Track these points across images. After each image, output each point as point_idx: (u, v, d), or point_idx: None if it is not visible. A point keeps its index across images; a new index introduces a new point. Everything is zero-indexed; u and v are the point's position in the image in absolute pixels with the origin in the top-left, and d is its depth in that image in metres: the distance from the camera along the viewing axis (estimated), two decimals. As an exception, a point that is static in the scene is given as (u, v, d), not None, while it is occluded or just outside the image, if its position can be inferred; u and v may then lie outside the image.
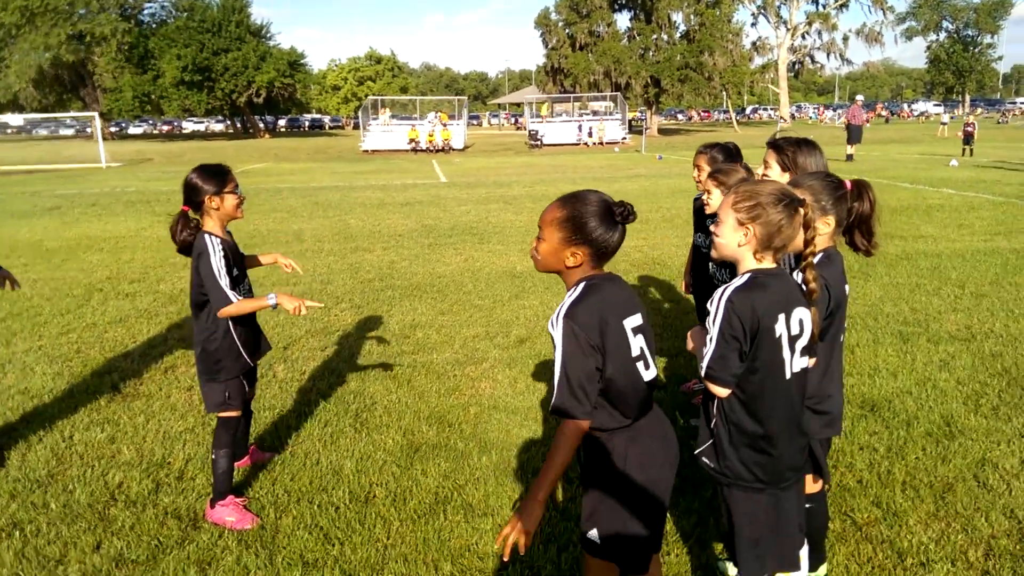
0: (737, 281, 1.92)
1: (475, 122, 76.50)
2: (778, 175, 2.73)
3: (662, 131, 50.10)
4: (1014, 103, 77.77)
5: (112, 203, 14.96)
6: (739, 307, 1.87)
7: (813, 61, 55.14)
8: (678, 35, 46.59)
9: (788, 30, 53.58)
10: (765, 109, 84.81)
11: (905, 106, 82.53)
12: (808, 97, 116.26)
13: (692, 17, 45.02)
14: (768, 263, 1.95)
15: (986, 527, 2.88)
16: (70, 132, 71.19)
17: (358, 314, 6.24)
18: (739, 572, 2.06)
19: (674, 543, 2.83)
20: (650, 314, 6.03)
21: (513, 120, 75.79)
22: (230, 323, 3.01)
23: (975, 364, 4.65)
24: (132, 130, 72.89)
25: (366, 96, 55.21)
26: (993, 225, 9.79)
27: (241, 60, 50.81)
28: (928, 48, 72.81)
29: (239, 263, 3.10)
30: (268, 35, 55.70)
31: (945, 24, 70.66)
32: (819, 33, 53.37)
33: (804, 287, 1.98)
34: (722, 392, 1.94)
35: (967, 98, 72.14)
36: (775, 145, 2.79)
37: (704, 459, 2.07)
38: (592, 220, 1.85)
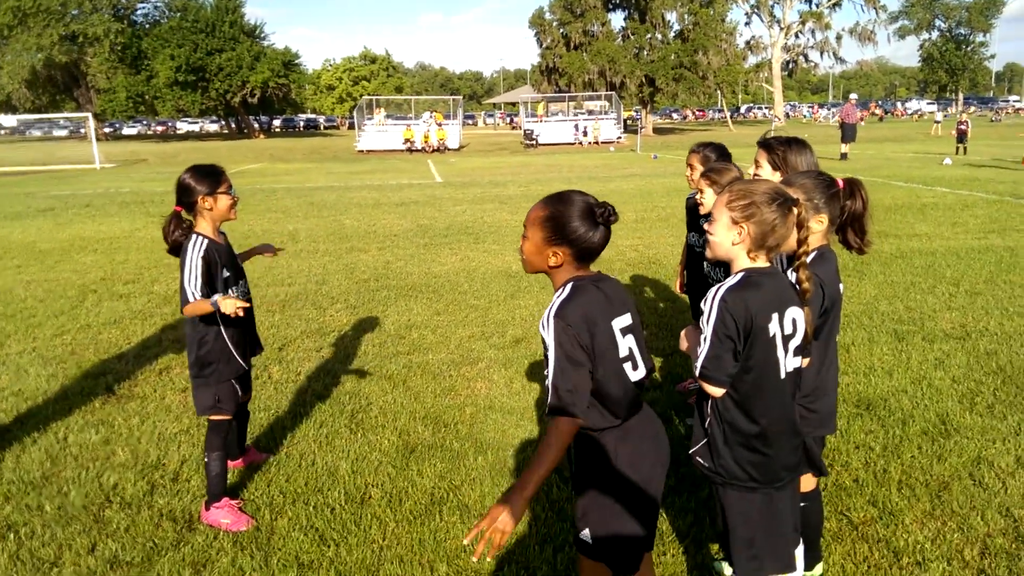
0: (730, 280, 1.92)
1: (470, 122, 76.44)
2: (769, 174, 2.73)
3: (657, 130, 50.21)
4: (1007, 101, 78.19)
5: (106, 204, 14.90)
6: (733, 306, 1.87)
7: (807, 60, 55.32)
8: (672, 34, 46.71)
9: (782, 29, 53.73)
10: (760, 108, 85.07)
11: (899, 104, 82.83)
12: (802, 96, 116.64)
13: (686, 16, 45.15)
14: (762, 262, 1.95)
15: (982, 525, 2.88)
16: (64, 133, 70.92)
17: (353, 315, 6.23)
18: (734, 573, 2.06)
19: (670, 543, 2.83)
20: (645, 313, 6.06)
21: (508, 120, 75.80)
22: (221, 326, 2.98)
23: (970, 362, 4.66)
24: (126, 131, 72.66)
25: (361, 96, 55.20)
26: (987, 223, 9.83)
27: (235, 60, 50.70)
28: (921, 47, 73.09)
29: (233, 264, 3.07)
30: (262, 35, 55.61)
31: (938, 23, 70.94)
32: (812, 32, 53.55)
33: (798, 286, 1.98)
34: (717, 392, 1.94)
35: (960, 96, 72.43)
36: (766, 144, 2.80)
37: (698, 458, 2.07)
38: (573, 220, 1.86)
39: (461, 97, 56.99)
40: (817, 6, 53.67)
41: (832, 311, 2.28)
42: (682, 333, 2.11)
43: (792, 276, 2.04)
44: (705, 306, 1.91)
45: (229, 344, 3.01)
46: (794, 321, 1.95)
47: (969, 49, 70.24)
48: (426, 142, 35.48)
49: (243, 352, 3.11)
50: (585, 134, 37.93)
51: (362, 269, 8.05)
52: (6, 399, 4.46)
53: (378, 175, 21.48)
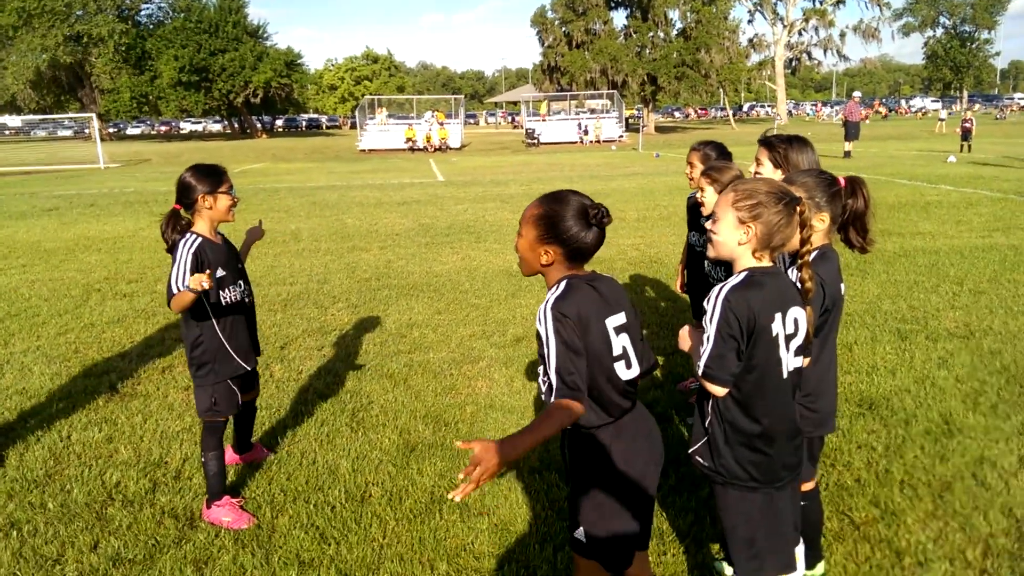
0: (734, 280, 1.91)
1: (472, 121, 76.44)
2: (770, 172, 2.72)
3: (659, 129, 50.14)
4: (1012, 99, 77.72)
5: (110, 204, 14.94)
6: (736, 306, 1.86)
7: (810, 58, 55.14)
8: (674, 32, 46.62)
9: (785, 27, 53.58)
10: (762, 106, 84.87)
11: (903, 102, 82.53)
12: (805, 94, 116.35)
13: (688, 14, 45.05)
14: (766, 262, 1.95)
15: (984, 526, 2.87)
16: (68, 133, 71.13)
17: (355, 313, 6.24)
18: (735, 572, 2.05)
19: (670, 543, 2.83)
20: (646, 312, 6.05)
21: (510, 119, 75.76)
22: (216, 326, 2.96)
23: (974, 362, 4.64)
24: (130, 131, 72.85)
25: (363, 96, 55.20)
26: (991, 221, 9.79)
27: (238, 60, 50.79)
28: (925, 44, 72.88)
29: (230, 265, 3.04)
30: (265, 35, 55.70)
31: (942, 20, 70.72)
32: (816, 29, 53.40)
33: (800, 286, 1.98)
34: (719, 391, 1.94)
35: (965, 94, 72.19)
36: (767, 142, 2.79)
37: (698, 458, 2.06)
38: (566, 220, 1.88)
39: (463, 96, 56.95)
40: (821, 3, 53.52)
41: (833, 311, 2.28)
42: (681, 332, 2.10)
43: (794, 275, 2.04)
44: (708, 305, 1.91)
45: (225, 344, 2.99)
46: (796, 321, 1.94)
47: (974, 46, 70.02)
48: (428, 141, 35.48)
49: (244, 353, 3.08)
50: (586, 133, 37.89)
51: (363, 268, 8.06)
52: (10, 397, 4.48)
53: (380, 174, 21.50)
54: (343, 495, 3.24)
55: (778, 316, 1.90)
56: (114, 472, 3.48)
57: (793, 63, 55.21)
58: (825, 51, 54.10)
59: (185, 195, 2.92)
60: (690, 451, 2.10)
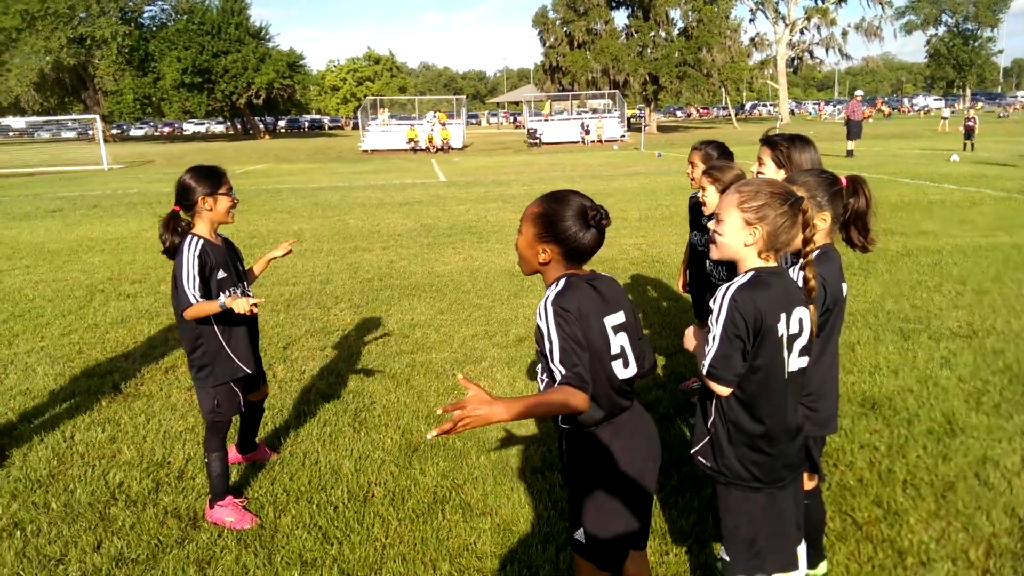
0: (740, 279, 1.91)
1: (474, 121, 76.44)
2: (773, 172, 2.72)
3: (661, 128, 50.08)
4: (1015, 97, 77.53)
5: (114, 205, 14.97)
6: (743, 305, 1.86)
7: (812, 56, 55.00)
8: (676, 32, 46.56)
9: (786, 25, 53.47)
10: (764, 105, 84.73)
11: (905, 101, 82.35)
12: (808, 93, 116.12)
13: (690, 14, 44.99)
14: (771, 262, 1.95)
15: (987, 526, 2.87)
16: (72, 135, 71.32)
17: (357, 314, 6.25)
18: (727, 569, 2.04)
19: (672, 543, 2.83)
20: (648, 312, 6.04)
21: (512, 119, 75.77)
22: (216, 327, 2.95)
23: (977, 361, 4.63)
24: (133, 132, 72.96)
25: (365, 96, 55.24)
26: (995, 221, 9.77)
27: (241, 62, 50.87)
28: (928, 42, 72.72)
29: (232, 266, 3.04)
30: (267, 36, 55.79)
31: (944, 18, 70.56)
32: (818, 28, 53.27)
33: (803, 285, 1.98)
34: (724, 391, 1.94)
35: (968, 92, 72.01)
36: (769, 142, 2.78)
37: (700, 458, 2.06)
38: (565, 220, 1.88)
39: (464, 97, 56.94)
40: (823, 2, 53.40)
41: (834, 310, 2.28)
42: (687, 332, 2.10)
43: (797, 274, 2.04)
44: (714, 304, 1.91)
45: (225, 346, 2.98)
46: (800, 321, 1.95)
47: (976, 44, 69.87)
48: (430, 142, 35.50)
49: (244, 354, 3.06)
50: (588, 132, 37.87)
51: (366, 268, 8.07)
52: (14, 397, 4.50)
53: (382, 175, 21.51)
54: (346, 495, 3.24)
55: (783, 316, 1.90)
56: (117, 472, 3.50)
57: (795, 62, 55.11)
58: (827, 50, 53.97)
59: (185, 197, 2.91)
60: (692, 451, 2.10)
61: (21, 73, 49.29)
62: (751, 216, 1.91)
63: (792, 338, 1.93)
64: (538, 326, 1.86)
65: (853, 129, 22.22)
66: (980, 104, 65.98)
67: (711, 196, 3.35)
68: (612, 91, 43.53)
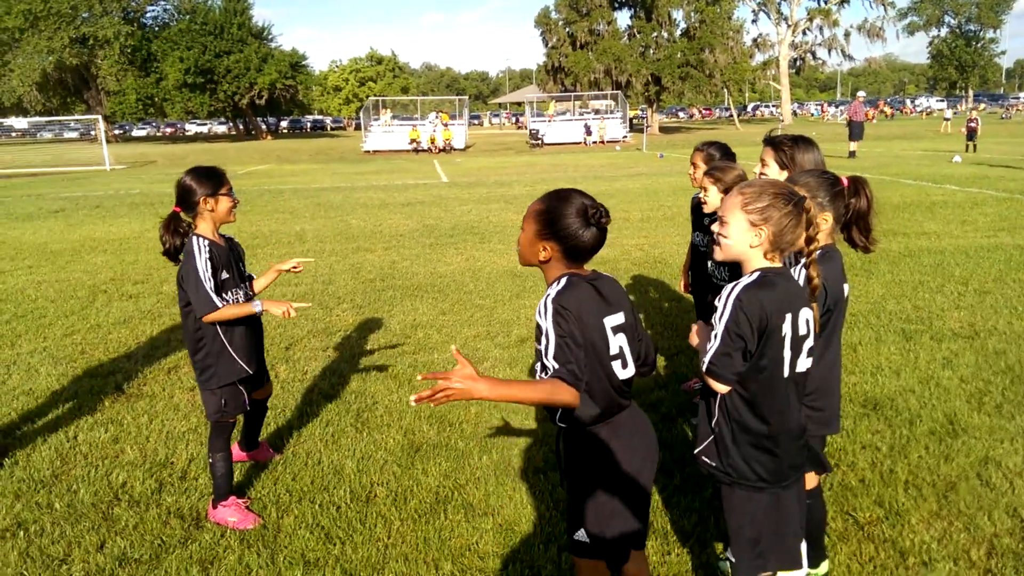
0: (746, 279, 1.92)
1: (476, 122, 76.48)
2: (776, 173, 2.72)
3: (663, 129, 50.07)
4: (1017, 98, 77.34)
5: (116, 205, 15.01)
6: (748, 305, 1.87)
7: (815, 57, 54.95)
8: (678, 32, 46.56)
9: (789, 26, 53.41)
10: (767, 106, 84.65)
11: (908, 102, 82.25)
12: (810, 94, 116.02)
13: (692, 14, 45.00)
14: (776, 262, 1.96)
15: (989, 526, 2.87)
16: (74, 135, 71.46)
17: (359, 314, 6.25)
18: (735, 570, 2.05)
19: (674, 543, 2.83)
20: (650, 313, 6.05)
21: (514, 119, 75.77)
22: (219, 328, 2.96)
23: (978, 362, 4.63)
24: (136, 132, 73.10)
25: (367, 97, 55.30)
26: (997, 221, 9.76)
27: (243, 62, 50.92)
28: (930, 43, 72.59)
29: (236, 266, 3.07)
30: (270, 37, 55.85)
31: (947, 19, 70.45)
32: (820, 29, 53.18)
33: (808, 284, 1.99)
34: (722, 388, 1.94)
35: (970, 93, 71.86)
36: (772, 142, 2.78)
37: (704, 458, 2.06)
38: (566, 218, 1.90)
39: (467, 97, 57.03)
40: (825, 3, 53.31)
41: (835, 311, 2.28)
42: (693, 328, 2.11)
43: (800, 273, 2.05)
44: (719, 303, 1.91)
45: (229, 348, 2.99)
46: (808, 322, 1.95)
47: (979, 45, 69.75)
48: (432, 142, 35.53)
49: (247, 355, 3.07)
50: (590, 133, 37.88)
51: (368, 269, 8.08)
52: (17, 398, 4.51)
53: (384, 175, 21.53)
54: (348, 495, 3.25)
55: (789, 317, 1.91)
56: (120, 472, 3.51)
57: (797, 63, 55.05)
58: (829, 51, 53.90)
59: (186, 198, 2.92)
60: (696, 451, 2.10)
61: (24, 73, 49.38)
62: (756, 217, 1.91)
63: (801, 339, 1.94)
64: (537, 323, 1.87)
65: (855, 130, 22.20)
66: (983, 105, 65.77)
67: (712, 196, 3.35)
68: (614, 92, 43.54)
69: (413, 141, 35.84)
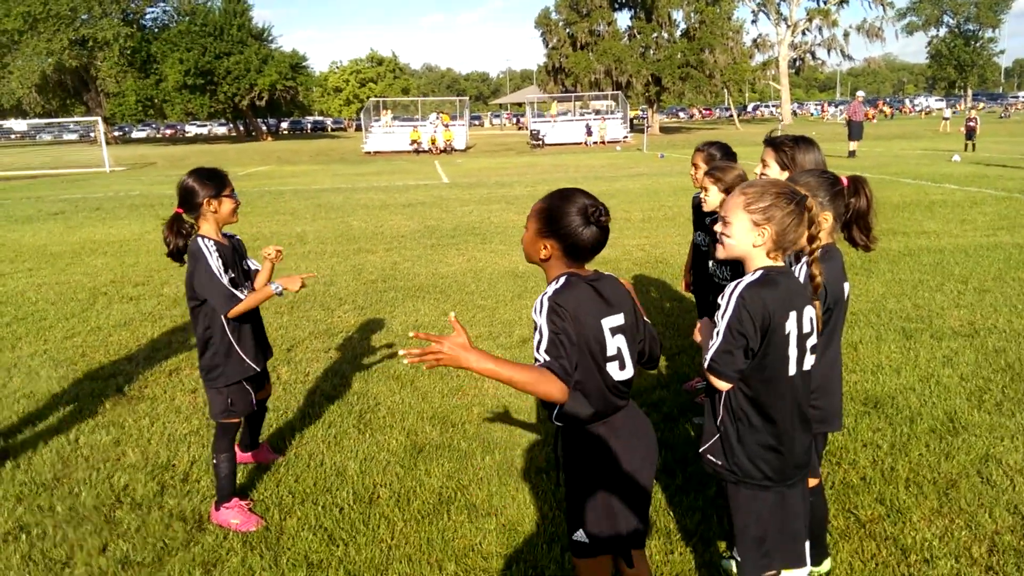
0: (749, 277, 1.93)
1: (477, 122, 76.49)
2: (777, 173, 2.72)
3: (663, 129, 50.08)
4: (1016, 97, 77.42)
5: (116, 207, 15.01)
6: (751, 303, 1.87)
7: (814, 57, 54.97)
8: (678, 33, 46.58)
9: (788, 27, 53.42)
10: (767, 106, 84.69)
11: (907, 101, 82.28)
12: (809, 94, 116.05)
13: (692, 15, 45.02)
14: (779, 261, 1.96)
15: (990, 523, 2.87)
16: (74, 137, 71.49)
17: (361, 315, 6.26)
18: (741, 569, 2.06)
19: (677, 541, 2.84)
20: (651, 312, 6.05)
21: (515, 120, 75.79)
22: (226, 327, 2.98)
23: (978, 360, 4.64)
24: (135, 134, 73.15)
25: (368, 98, 55.34)
26: (996, 220, 9.77)
27: (243, 63, 50.92)
28: (929, 43, 72.62)
29: (239, 264, 3.09)
30: (270, 38, 55.87)
31: (946, 19, 70.46)
32: (820, 29, 53.20)
33: (810, 282, 2.00)
34: (723, 386, 1.95)
35: (969, 93, 71.89)
36: (773, 143, 2.79)
37: (710, 456, 2.06)
38: (566, 216, 1.91)
39: (467, 98, 57.03)
40: (824, 3, 53.33)
41: (835, 309, 2.29)
42: (699, 324, 2.12)
43: (802, 272, 2.06)
44: (722, 300, 1.92)
45: (236, 347, 3.01)
46: (811, 320, 1.96)
47: (978, 45, 69.76)
48: (433, 143, 35.54)
49: (253, 353, 3.10)
50: (590, 133, 37.89)
51: (369, 270, 8.08)
52: (18, 401, 4.51)
53: (385, 176, 21.54)
54: (351, 496, 3.26)
55: (792, 315, 1.92)
56: (122, 475, 3.51)
57: (797, 63, 55.06)
58: (829, 51, 53.91)
59: (189, 200, 2.94)
60: (701, 450, 2.10)
61: (23, 75, 49.42)
62: (758, 217, 1.92)
63: (804, 337, 1.95)
64: (534, 320, 1.89)
65: (854, 130, 22.23)
66: (981, 104, 65.65)
67: (713, 196, 3.36)
68: (615, 92, 43.55)
69: (414, 142, 35.86)
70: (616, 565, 2.17)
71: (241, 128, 61.70)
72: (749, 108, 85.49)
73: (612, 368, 1.95)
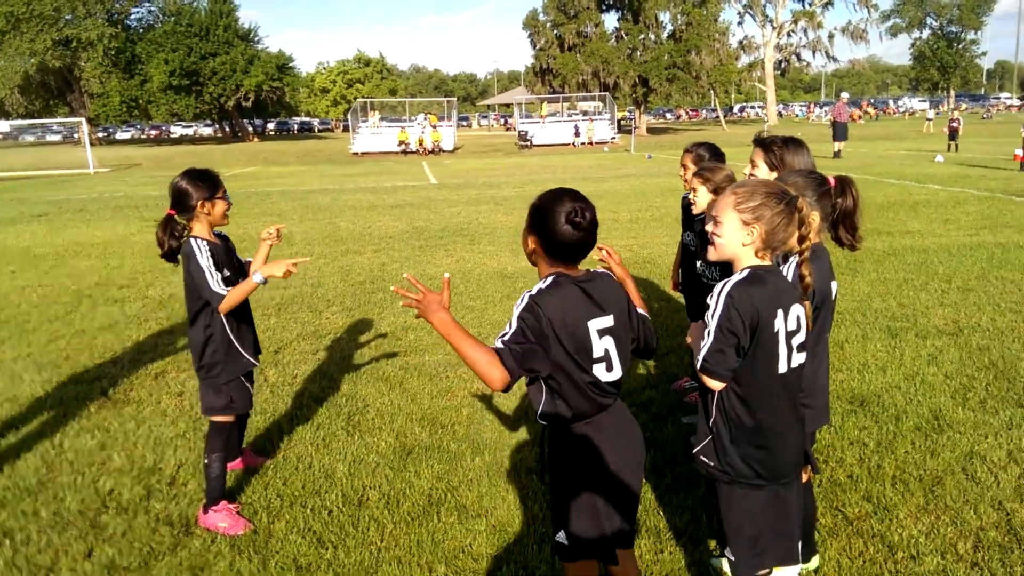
0: (737, 276, 1.94)
1: (464, 123, 76.42)
2: (765, 174, 2.74)
3: (651, 130, 50.26)
4: (998, 98, 78.49)
5: (100, 209, 14.86)
6: (739, 301, 1.89)
7: (799, 59, 55.42)
8: (665, 35, 46.78)
9: (774, 28, 53.84)
10: (753, 107, 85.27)
11: (891, 102, 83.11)
12: (795, 95, 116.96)
13: (679, 17, 45.22)
14: (768, 260, 1.98)
15: (975, 519, 2.91)
16: (57, 138, 70.65)
17: (349, 317, 6.23)
18: (734, 568, 2.06)
19: (667, 540, 2.85)
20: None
21: (502, 121, 75.81)
22: (226, 324, 3.01)
23: (963, 358, 4.69)
24: (120, 135, 72.37)
25: (355, 98, 55.14)
26: (978, 220, 9.89)
27: (229, 64, 50.57)
28: (913, 45, 73.44)
29: (233, 264, 3.09)
30: (256, 39, 55.53)
31: (929, 21, 71.29)
32: (805, 31, 53.65)
33: (800, 281, 2.02)
34: (716, 385, 1.96)
35: (952, 94, 72.77)
36: (762, 143, 2.80)
37: (703, 457, 2.07)
38: (547, 214, 1.95)
39: (455, 99, 57.00)
40: (809, 5, 53.81)
41: (823, 308, 2.30)
42: (692, 326, 2.14)
43: (792, 271, 2.07)
44: (711, 300, 1.94)
45: (236, 343, 3.04)
46: (798, 318, 1.98)
47: (960, 47, 70.60)
48: (420, 144, 35.47)
49: (252, 348, 3.15)
50: (578, 135, 37.97)
51: (357, 271, 8.05)
52: (1, 405, 4.45)
53: (372, 177, 21.47)
54: (340, 499, 3.24)
55: (780, 313, 1.93)
56: (108, 479, 3.47)
57: (782, 64, 55.49)
58: (814, 52, 54.38)
59: (182, 201, 2.95)
60: (694, 451, 2.11)
61: (5, 76, 48.81)
62: (748, 216, 1.94)
63: (791, 334, 1.96)
64: (513, 310, 1.92)
65: (839, 131, 22.45)
66: (964, 106, 66.67)
67: (702, 197, 3.38)
68: (602, 93, 43.66)
69: (402, 143, 35.77)
70: (604, 567, 2.17)
71: (227, 129, 61.28)
72: (735, 109, 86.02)
73: (599, 369, 1.96)
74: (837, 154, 21.95)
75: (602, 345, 1.96)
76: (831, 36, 54.76)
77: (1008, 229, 9.12)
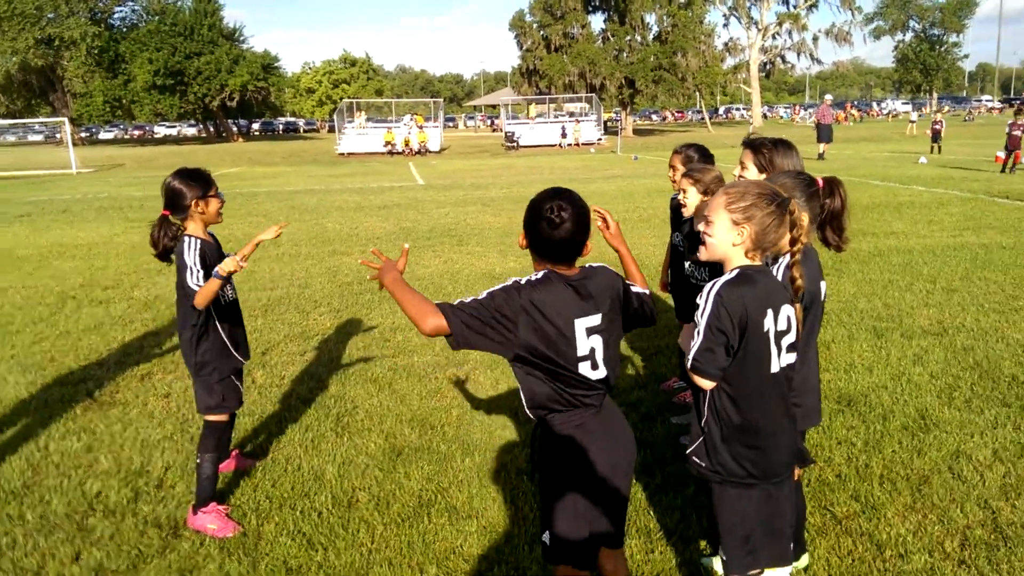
0: (727, 276, 1.95)
1: (451, 124, 76.33)
2: (755, 175, 2.76)
3: (637, 132, 50.48)
4: (980, 101, 79.55)
5: (84, 209, 14.68)
6: (728, 301, 1.90)
7: (784, 61, 55.92)
8: (651, 36, 47.03)
9: (759, 31, 54.25)
10: (738, 109, 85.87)
11: (874, 105, 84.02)
12: (780, 97, 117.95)
13: (665, 18, 45.48)
14: (758, 261, 1.99)
15: (961, 518, 2.94)
16: (39, 138, 69.80)
17: (337, 318, 6.20)
18: (726, 567, 2.07)
19: (657, 540, 2.86)
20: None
21: (489, 122, 75.78)
22: (217, 321, 3.00)
23: (948, 358, 4.75)
24: (103, 135, 71.55)
25: (341, 99, 54.90)
26: (962, 221, 10.02)
27: (214, 64, 50.18)
28: (896, 47, 74.27)
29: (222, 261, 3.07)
30: (241, 38, 55.16)
31: (912, 23, 72.13)
32: (789, 33, 54.14)
33: (791, 283, 2.03)
34: (707, 384, 1.97)
35: (934, 96, 73.68)
36: (752, 145, 2.82)
37: (695, 458, 2.07)
38: (533, 210, 1.99)
39: (441, 99, 56.91)
40: (794, 7, 54.29)
41: (812, 309, 2.32)
42: (683, 328, 2.15)
43: (783, 273, 2.08)
44: (700, 300, 1.94)
45: (227, 341, 3.04)
46: (788, 318, 1.99)
47: (943, 49, 71.46)
48: (407, 145, 35.38)
49: (243, 347, 3.14)
50: (565, 136, 38.04)
51: (345, 272, 8.01)
52: (-16, 408, 4.39)
53: (359, 178, 21.39)
54: (329, 501, 3.22)
55: (769, 312, 1.94)
56: (94, 482, 3.43)
57: (767, 66, 55.94)
58: (798, 55, 54.87)
59: (176, 201, 2.94)
60: (687, 452, 2.11)
61: (-14, 75, 48.16)
62: (738, 216, 1.95)
63: (780, 334, 1.97)
64: None
65: (823, 132, 22.66)
66: (946, 108, 67.45)
67: (691, 197, 3.39)
68: (589, 95, 43.78)
69: (388, 143, 35.67)
70: (597, 566, 2.16)
71: (211, 129, 60.80)
72: (720, 111, 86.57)
73: (584, 367, 1.97)
74: (821, 156, 22.16)
75: (588, 344, 1.97)
76: (815, 38, 55.40)
77: (991, 230, 9.25)
